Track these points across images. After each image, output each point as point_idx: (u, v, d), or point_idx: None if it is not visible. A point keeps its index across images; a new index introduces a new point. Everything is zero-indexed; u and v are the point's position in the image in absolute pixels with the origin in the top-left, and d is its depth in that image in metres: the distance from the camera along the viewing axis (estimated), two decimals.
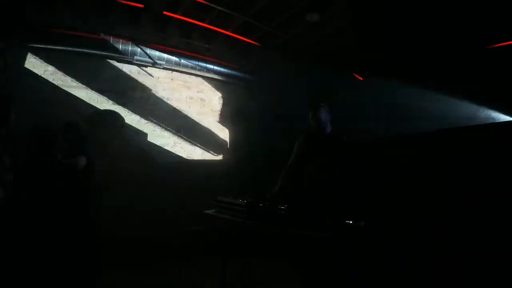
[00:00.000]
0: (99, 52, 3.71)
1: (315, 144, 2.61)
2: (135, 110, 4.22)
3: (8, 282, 2.55)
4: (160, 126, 4.42)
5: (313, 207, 2.06)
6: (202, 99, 4.86)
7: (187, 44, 4.46)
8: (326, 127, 2.63)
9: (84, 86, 3.86)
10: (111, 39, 3.75)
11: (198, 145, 4.76)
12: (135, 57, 3.93)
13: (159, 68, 4.31)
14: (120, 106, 4.11)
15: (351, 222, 2.05)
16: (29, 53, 3.54)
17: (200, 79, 4.76)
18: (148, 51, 3.97)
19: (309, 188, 2.47)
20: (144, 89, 4.32)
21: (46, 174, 3.03)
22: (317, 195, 2.31)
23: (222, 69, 4.62)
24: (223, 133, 5.07)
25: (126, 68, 4.15)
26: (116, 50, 3.79)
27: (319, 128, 2.63)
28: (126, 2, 3.58)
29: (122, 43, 3.81)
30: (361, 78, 4.40)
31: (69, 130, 3.26)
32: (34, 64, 3.58)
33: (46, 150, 3.24)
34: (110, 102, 4.04)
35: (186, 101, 4.70)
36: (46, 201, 2.86)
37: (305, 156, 2.65)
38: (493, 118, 3.69)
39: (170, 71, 4.49)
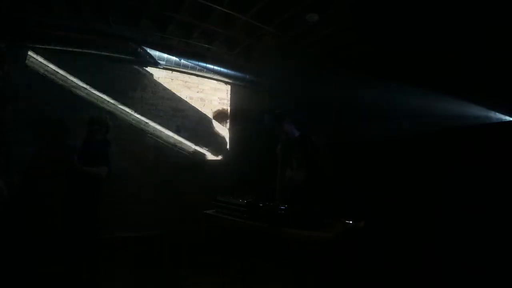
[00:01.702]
0: (99, 52, 3.71)
1: (288, 150, 2.70)
2: (135, 110, 4.22)
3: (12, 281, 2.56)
4: (160, 126, 4.43)
5: (310, 207, 2.08)
6: (202, 99, 4.86)
7: (187, 44, 4.46)
8: (293, 133, 2.72)
9: (84, 86, 3.86)
10: (111, 39, 3.74)
11: (198, 145, 4.76)
12: (135, 57, 3.93)
13: (159, 68, 4.31)
14: (120, 106, 4.11)
15: (351, 222, 2.07)
16: (29, 53, 3.54)
17: (200, 79, 4.76)
18: (148, 51, 3.97)
19: (294, 191, 2.52)
20: (144, 89, 4.32)
21: (58, 179, 2.73)
22: (300, 197, 2.35)
23: (222, 69, 4.62)
24: (223, 133, 5.07)
25: (126, 68, 4.15)
26: (117, 50, 3.79)
27: (287, 136, 2.73)
28: (126, 2, 3.59)
29: (122, 43, 3.80)
30: (359, 77, 4.40)
31: (93, 130, 2.71)
32: (34, 64, 3.58)
33: (59, 153, 2.88)
34: (110, 102, 4.04)
35: (186, 101, 4.70)
36: (50, 203, 2.77)
37: (284, 162, 2.74)
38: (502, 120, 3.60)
39: (170, 71, 4.49)
